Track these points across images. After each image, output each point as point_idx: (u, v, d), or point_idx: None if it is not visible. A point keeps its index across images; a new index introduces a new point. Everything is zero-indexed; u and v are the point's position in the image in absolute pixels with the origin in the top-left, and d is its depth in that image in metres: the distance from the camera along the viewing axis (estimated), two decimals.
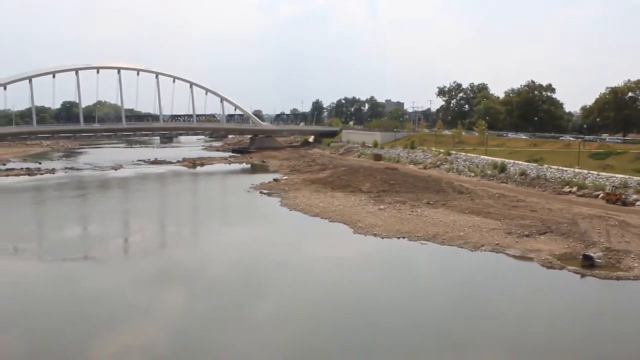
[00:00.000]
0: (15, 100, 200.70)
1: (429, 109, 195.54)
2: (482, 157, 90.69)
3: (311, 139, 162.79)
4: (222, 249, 46.16)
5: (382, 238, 45.43)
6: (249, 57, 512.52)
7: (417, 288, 35.35)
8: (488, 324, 29.26)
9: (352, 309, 31.13)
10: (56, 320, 29.65)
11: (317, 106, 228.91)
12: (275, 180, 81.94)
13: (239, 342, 26.92)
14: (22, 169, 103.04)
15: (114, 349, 26.14)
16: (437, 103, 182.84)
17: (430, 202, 59.00)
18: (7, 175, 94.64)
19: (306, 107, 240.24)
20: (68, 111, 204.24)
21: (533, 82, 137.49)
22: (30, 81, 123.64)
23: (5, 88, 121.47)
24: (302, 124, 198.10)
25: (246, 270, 39.38)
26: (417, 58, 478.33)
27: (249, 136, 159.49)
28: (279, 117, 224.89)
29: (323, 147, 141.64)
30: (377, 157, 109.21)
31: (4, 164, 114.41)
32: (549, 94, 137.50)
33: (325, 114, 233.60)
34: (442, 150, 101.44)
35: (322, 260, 41.99)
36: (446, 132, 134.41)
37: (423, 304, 32.25)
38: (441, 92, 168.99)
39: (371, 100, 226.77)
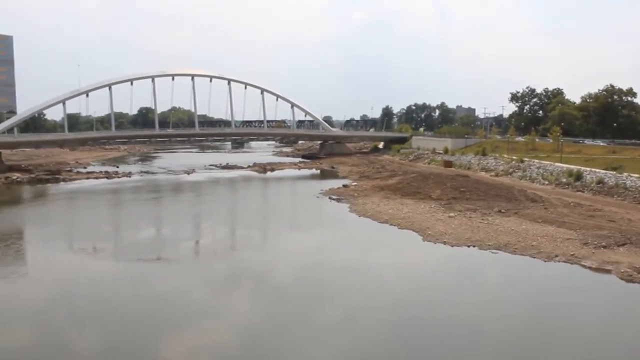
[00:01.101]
0: (96, 106, 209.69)
1: (501, 115, 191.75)
2: (557, 164, 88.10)
3: (381, 145, 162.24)
4: (290, 253, 46.65)
5: (452, 246, 44.83)
6: (319, 63, 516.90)
7: (487, 297, 34.66)
8: (562, 336, 28.39)
9: (420, 316, 30.89)
10: (129, 319, 30.71)
11: (387, 112, 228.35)
12: (344, 186, 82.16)
13: (305, 346, 27.19)
14: (101, 172, 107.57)
15: (183, 349, 26.85)
16: (509, 109, 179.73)
17: (502, 211, 57.79)
18: (88, 178, 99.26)
19: (376, 113, 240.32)
20: (144, 117, 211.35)
21: (612, 86, 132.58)
22: (109, 88, 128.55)
23: (87, 95, 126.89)
24: (371, 130, 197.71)
25: (314, 275, 39.70)
26: (489, 62, 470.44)
27: (319, 142, 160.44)
28: (348, 123, 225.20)
29: (393, 154, 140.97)
30: (448, 164, 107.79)
31: (85, 167, 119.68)
32: (629, 98, 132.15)
33: (395, 120, 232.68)
34: (514, 158, 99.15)
35: (391, 267, 41.86)
36: (519, 138, 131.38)
37: (493, 313, 31.65)
38: (514, 97, 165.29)
39: (442, 106, 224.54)
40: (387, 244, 48.88)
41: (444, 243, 45.67)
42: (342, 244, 48.80)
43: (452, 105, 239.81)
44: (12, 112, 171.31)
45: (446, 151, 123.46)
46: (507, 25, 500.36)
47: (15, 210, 70.23)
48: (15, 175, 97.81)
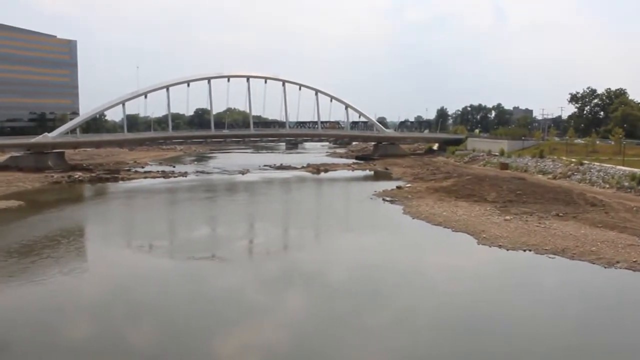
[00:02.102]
0: (154, 107, 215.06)
1: (559, 117, 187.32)
2: (619, 167, 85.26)
3: (435, 146, 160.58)
4: (343, 254, 46.65)
5: (507, 250, 43.96)
6: (373, 64, 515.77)
7: (543, 303, 33.74)
8: (623, 346, 27.51)
9: (472, 321, 30.39)
10: (183, 315, 31.25)
11: (441, 113, 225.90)
12: (398, 187, 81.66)
13: (355, 347, 27.13)
14: (158, 171, 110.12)
15: (235, 346, 27.31)
16: (568, 110, 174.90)
17: (560, 214, 56.33)
18: (145, 177, 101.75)
19: (430, 115, 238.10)
20: (200, 118, 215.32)
21: None
22: (167, 90, 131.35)
23: (145, 97, 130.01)
24: (426, 131, 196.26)
25: (366, 276, 39.57)
26: (548, 62, 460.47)
27: (373, 143, 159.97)
28: (402, 125, 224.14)
29: (447, 155, 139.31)
30: (504, 166, 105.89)
31: (143, 167, 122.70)
32: None
33: (450, 121, 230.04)
34: (573, 160, 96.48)
35: (444, 270, 41.35)
36: (578, 140, 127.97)
37: (549, 320, 30.76)
38: (573, 98, 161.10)
39: (498, 108, 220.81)
40: (441, 247, 48.36)
41: (499, 247, 44.85)
42: (395, 246, 48.54)
43: (508, 106, 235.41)
44: (75, 114, 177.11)
45: (502, 153, 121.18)
46: (567, 25, 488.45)
47: (76, 208, 72.50)
48: (77, 174, 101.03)
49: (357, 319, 30.45)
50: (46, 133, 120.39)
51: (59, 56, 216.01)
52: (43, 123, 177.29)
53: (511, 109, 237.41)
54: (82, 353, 26.48)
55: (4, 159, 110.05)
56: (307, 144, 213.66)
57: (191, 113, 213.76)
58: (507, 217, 55.30)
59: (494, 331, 28.88)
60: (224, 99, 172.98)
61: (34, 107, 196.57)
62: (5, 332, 28.97)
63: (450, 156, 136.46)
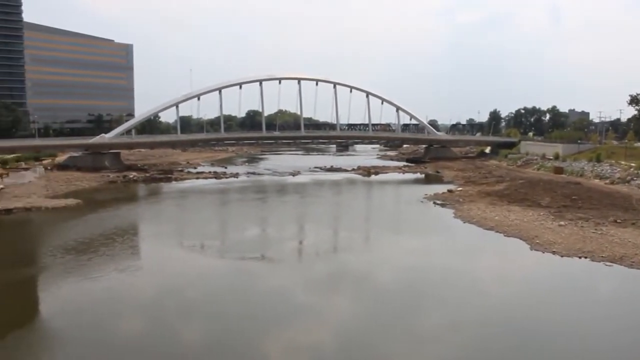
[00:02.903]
0: (207, 109, 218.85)
1: (618, 119, 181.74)
2: None
3: (487, 149, 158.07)
4: (392, 256, 46.36)
5: (562, 256, 42.94)
6: (424, 66, 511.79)
7: (598, 313, 32.81)
8: None
9: (523, 330, 29.75)
10: (232, 314, 31.83)
11: (494, 116, 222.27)
12: (449, 191, 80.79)
13: (402, 352, 26.97)
14: (210, 172, 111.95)
15: (283, 346, 27.56)
16: (628, 112, 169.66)
17: (618, 221, 54.68)
18: (198, 178, 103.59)
19: (483, 117, 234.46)
20: (251, 119, 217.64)
21: None
22: (219, 92, 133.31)
23: (198, 99, 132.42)
24: (478, 134, 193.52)
25: (415, 280, 39.33)
26: (605, 63, 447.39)
27: (424, 146, 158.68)
28: (454, 127, 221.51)
29: (500, 159, 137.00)
30: (558, 170, 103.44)
31: (195, 168, 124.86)
32: None
33: (503, 124, 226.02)
34: (633, 164, 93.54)
35: (495, 275, 40.74)
36: (638, 144, 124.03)
37: (605, 331, 29.98)
38: (633, 100, 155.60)
39: (553, 110, 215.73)
40: (492, 252, 47.57)
41: (553, 253, 43.87)
42: (445, 250, 48.01)
43: (564, 108, 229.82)
44: (130, 115, 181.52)
45: (557, 157, 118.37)
46: (626, 24, 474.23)
47: (131, 207, 74.25)
48: (132, 174, 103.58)
49: (405, 324, 30.24)
50: (103, 134, 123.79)
51: (117, 60, 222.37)
52: (100, 124, 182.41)
53: (566, 111, 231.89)
54: (135, 347, 27.18)
55: (63, 159, 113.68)
56: (358, 146, 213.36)
57: (243, 115, 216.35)
58: (562, 223, 54.04)
59: (545, 344, 28.18)
60: (276, 101, 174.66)
61: (92, 109, 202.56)
62: (64, 325, 30.09)
63: (503, 160, 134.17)
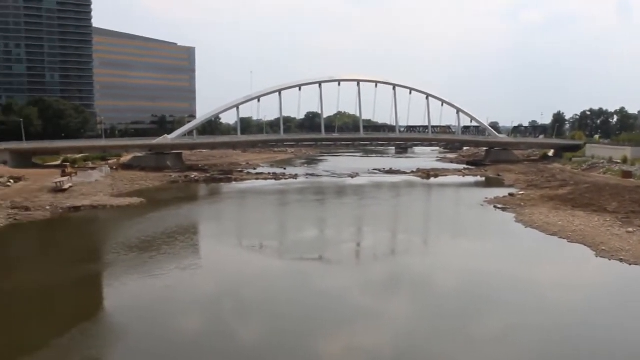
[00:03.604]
0: (267, 111, 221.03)
1: None
2: None
3: (551, 153, 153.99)
4: (451, 260, 45.71)
5: (630, 264, 41.32)
6: (486, 67, 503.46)
7: None
8: None
9: (584, 337, 28.95)
10: (289, 314, 32.07)
11: (558, 118, 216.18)
12: (510, 194, 79.12)
13: (458, 356, 26.56)
14: (269, 173, 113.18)
15: (339, 347, 27.57)
16: None
17: None
18: (257, 179, 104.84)
19: (546, 119, 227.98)
20: (311, 121, 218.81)
21: None
22: (279, 94, 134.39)
23: (258, 100, 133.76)
24: (541, 137, 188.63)
25: (474, 284, 38.57)
26: None
27: (484, 149, 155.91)
28: (516, 130, 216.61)
29: (564, 162, 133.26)
30: (627, 175, 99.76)
31: (255, 169, 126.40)
32: None
33: (567, 126, 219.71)
34: None
35: (558, 282, 39.50)
36: None
37: None
38: None
39: (621, 112, 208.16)
40: (555, 258, 46.21)
41: (620, 260, 42.31)
42: (506, 255, 47.07)
43: (633, 110, 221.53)
44: (192, 116, 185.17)
45: (625, 161, 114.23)
46: None
47: (192, 206, 75.78)
48: (193, 174, 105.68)
49: (463, 329, 29.75)
50: (166, 135, 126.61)
51: (179, 62, 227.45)
52: (163, 125, 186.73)
53: (636, 113, 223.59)
54: (192, 344, 27.68)
55: (128, 159, 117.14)
56: (417, 149, 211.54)
57: (302, 116, 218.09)
58: (630, 229, 52.01)
59: (607, 355, 27.21)
60: (335, 102, 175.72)
61: (155, 110, 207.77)
62: (126, 319, 31.02)
63: (567, 163, 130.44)
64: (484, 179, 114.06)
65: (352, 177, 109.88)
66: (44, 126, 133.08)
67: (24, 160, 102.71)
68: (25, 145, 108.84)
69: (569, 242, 49.13)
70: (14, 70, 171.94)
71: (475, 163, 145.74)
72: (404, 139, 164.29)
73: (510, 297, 35.34)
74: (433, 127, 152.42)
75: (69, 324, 30.43)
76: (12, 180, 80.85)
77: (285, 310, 32.70)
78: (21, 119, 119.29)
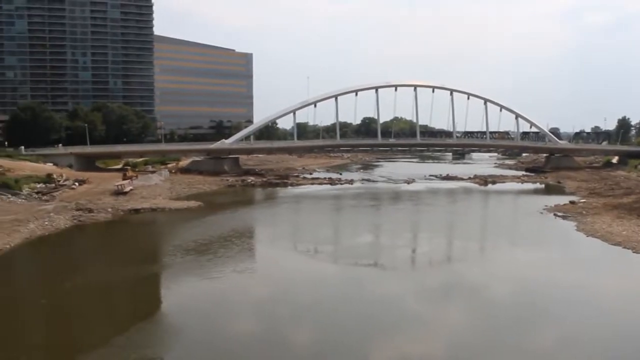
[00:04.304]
0: (323, 116, 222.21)
1: None
2: None
3: (615, 159, 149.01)
4: (508, 269, 44.79)
5: None
6: (547, 71, 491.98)
7: None
8: None
9: None
10: (342, 319, 31.87)
11: (623, 123, 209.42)
12: (571, 202, 76.90)
13: None
14: (325, 178, 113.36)
15: (391, 354, 27.25)
16: None
17: None
18: (313, 184, 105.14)
19: (610, 125, 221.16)
20: (367, 126, 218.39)
21: None
22: (336, 99, 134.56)
23: (315, 106, 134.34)
24: (604, 143, 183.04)
25: (531, 294, 37.34)
26: None
27: (544, 155, 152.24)
28: (577, 136, 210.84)
29: (629, 169, 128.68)
30: None
31: (310, 173, 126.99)
32: None
33: (633, 132, 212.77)
34: None
35: (622, 293, 38.03)
36: None
37: None
38: None
39: None
40: (619, 268, 44.58)
41: None
42: (566, 264, 45.74)
43: None
44: (249, 122, 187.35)
45: None
46: None
47: (248, 210, 76.74)
48: (250, 179, 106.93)
49: (519, 341, 28.91)
50: (223, 140, 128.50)
51: (237, 68, 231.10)
52: (221, 130, 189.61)
53: None
54: (246, 346, 28.00)
55: (186, 163, 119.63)
56: (474, 155, 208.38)
57: (358, 122, 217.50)
58: None
59: None
60: (391, 107, 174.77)
61: (213, 115, 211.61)
62: (182, 320, 31.53)
63: (632, 170, 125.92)
64: (543, 186, 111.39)
65: (408, 183, 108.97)
66: (107, 131, 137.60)
67: (87, 163, 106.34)
68: (89, 149, 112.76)
69: (634, 252, 47.18)
70: (80, 78, 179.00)
71: (534, 170, 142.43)
72: (461, 145, 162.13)
73: (570, 309, 34.21)
74: (491, 132, 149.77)
75: (127, 322, 31.33)
76: (76, 183, 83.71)
77: (338, 315, 32.57)
78: (86, 124, 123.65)
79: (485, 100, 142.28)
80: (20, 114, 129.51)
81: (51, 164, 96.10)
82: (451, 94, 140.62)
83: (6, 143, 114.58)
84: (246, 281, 40.12)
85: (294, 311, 33.51)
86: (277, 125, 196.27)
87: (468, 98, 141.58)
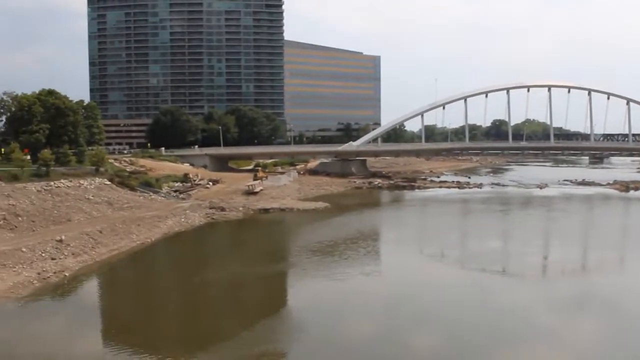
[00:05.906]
0: (451, 118, 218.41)
1: None
2: None
3: None
4: None
5: None
6: None
7: None
8: None
9: None
10: (465, 326, 30.99)
11: None
12: None
13: None
14: (453, 182, 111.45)
15: None
16: None
17: None
18: (440, 187, 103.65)
19: None
20: (497, 129, 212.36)
21: None
22: (465, 101, 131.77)
23: (443, 108, 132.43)
24: None
25: None
26: None
27: None
28: None
29: None
30: None
31: (438, 177, 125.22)
32: None
33: None
34: None
35: None
36: None
37: None
38: None
39: None
40: None
41: None
42: None
43: None
44: (377, 124, 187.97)
45: None
46: None
47: (374, 212, 76.87)
48: (377, 181, 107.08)
49: None
50: (351, 142, 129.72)
51: (365, 71, 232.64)
52: (348, 132, 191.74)
53: None
54: (367, 345, 28.08)
55: (315, 165, 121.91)
56: (614, 159, 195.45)
57: (488, 124, 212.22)
58: None
59: None
60: (523, 109, 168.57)
61: (341, 118, 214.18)
62: (306, 319, 32.16)
63: None
64: None
65: (541, 188, 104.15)
66: (239, 133, 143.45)
67: (221, 164, 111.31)
68: (222, 150, 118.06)
69: None
70: (215, 83, 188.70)
71: None
72: (599, 148, 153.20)
73: None
74: (634, 135, 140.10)
75: (253, 318, 32.48)
76: (210, 183, 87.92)
77: (463, 322, 31.66)
78: (220, 127, 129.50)
79: (628, 100, 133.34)
80: (162, 117, 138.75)
81: (188, 164, 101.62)
82: (589, 94, 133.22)
83: (149, 144, 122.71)
84: (371, 283, 40.04)
85: (417, 315, 33.04)
86: (405, 128, 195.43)
87: (608, 98, 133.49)
